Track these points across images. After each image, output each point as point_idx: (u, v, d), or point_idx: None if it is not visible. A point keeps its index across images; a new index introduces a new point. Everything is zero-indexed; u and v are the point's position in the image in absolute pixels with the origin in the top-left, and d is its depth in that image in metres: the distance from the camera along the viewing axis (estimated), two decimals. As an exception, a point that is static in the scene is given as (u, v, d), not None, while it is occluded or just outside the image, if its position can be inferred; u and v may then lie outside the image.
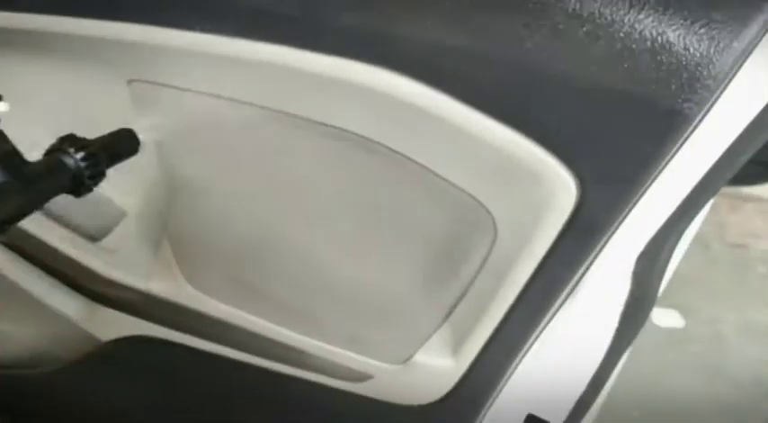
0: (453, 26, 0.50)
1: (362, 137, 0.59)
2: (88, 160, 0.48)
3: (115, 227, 0.86)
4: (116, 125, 0.81)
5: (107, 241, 0.85)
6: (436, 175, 0.59)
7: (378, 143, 0.59)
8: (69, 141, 0.48)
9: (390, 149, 0.59)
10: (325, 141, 0.61)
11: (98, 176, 0.49)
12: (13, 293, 1.03)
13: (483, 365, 0.70)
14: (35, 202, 0.45)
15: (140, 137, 0.67)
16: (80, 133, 0.86)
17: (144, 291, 0.81)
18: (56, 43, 0.71)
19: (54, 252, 0.84)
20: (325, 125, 0.60)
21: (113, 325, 0.90)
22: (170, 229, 0.79)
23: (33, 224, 0.83)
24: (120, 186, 0.89)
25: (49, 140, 0.87)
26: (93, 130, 0.86)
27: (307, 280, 0.73)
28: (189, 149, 0.72)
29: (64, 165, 0.47)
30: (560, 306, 0.66)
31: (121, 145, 0.54)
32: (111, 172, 0.88)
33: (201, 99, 0.65)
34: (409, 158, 0.59)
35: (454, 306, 0.69)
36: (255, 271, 0.75)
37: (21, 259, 0.96)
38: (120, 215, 0.88)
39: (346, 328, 0.75)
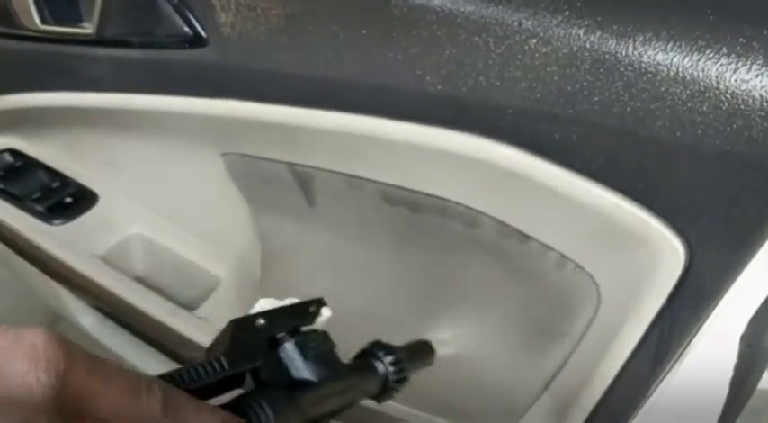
0: (557, 95, 0.50)
1: (465, 206, 0.59)
2: (395, 366, 0.50)
3: (209, 295, 0.88)
4: (209, 196, 0.84)
5: (202, 310, 0.87)
6: (539, 242, 0.59)
7: (479, 212, 0.59)
8: (378, 346, 0.51)
9: (491, 218, 0.59)
10: (422, 213, 0.62)
11: (403, 381, 0.51)
12: (107, 358, 1.06)
13: (590, 435, 0.68)
14: (348, 404, 0.46)
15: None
16: (175, 204, 0.90)
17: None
18: (152, 120, 0.75)
19: (148, 319, 0.86)
20: (426, 195, 0.60)
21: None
22: (265, 295, 0.80)
23: (129, 291, 0.86)
24: (214, 255, 0.91)
25: (146, 212, 0.91)
26: (187, 200, 0.89)
27: (405, 347, 0.73)
28: (281, 219, 0.74)
29: (375, 370, 0.49)
30: (667, 373, 0.64)
31: (423, 354, 0.57)
32: (203, 242, 0.91)
33: (293, 170, 0.67)
34: (511, 226, 0.59)
35: (556, 373, 0.67)
36: (353, 337, 0.75)
37: (114, 325, 0.99)
38: (214, 284, 0.90)
39: (444, 397, 0.74)
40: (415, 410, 0.77)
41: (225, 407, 0.36)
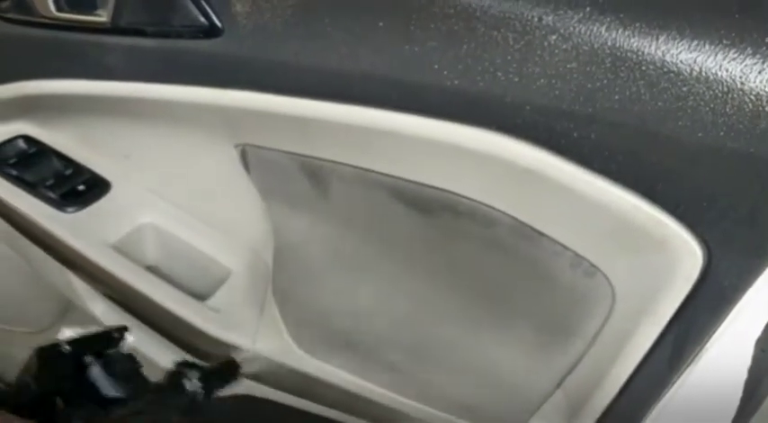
0: (577, 92, 0.49)
1: (480, 203, 0.59)
2: (202, 382, 0.57)
3: (220, 286, 0.88)
4: (222, 187, 0.84)
5: (213, 300, 0.87)
6: (554, 241, 0.58)
7: (494, 209, 0.58)
8: (186, 365, 0.57)
9: (506, 215, 0.58)
10: (436, 211, 0.61)
11: (209, 398, 0.59)
12: (117, 347, 1.06)
13: (601, 435, 0.68)
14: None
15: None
16: (188, 194, 0.89)
17: (250, 350, 0.82)
18: (166, 110, 0.74)
19: (160, 309, 0.86)
20: (440, 190, 0.60)
21: (217, 383, 0.91)
22: (276, 289, 0.80)
23: (140, 280, 0.85)
24: (226, 246, 0.91)
25: (158, 202, 0.91)
26: (200, 190, 0.89)
27: (417, 346, 0.72)
28: (294, 211, 0.73)
29: (183, 387, 0.55)
30: (682, 374, 0.63)
31: (228, 372, 0.65)
32: (216, 233, 0.91)
33: (307, 162, 0.67)
34: (526, 224, 0.58)
35: (569, 372, 0.66)
36: (363, 333, 0.75)
37: (126, 313, 0.99)
38: (226, 274, 0.90)
39: (456, 394, 0.74)
40: (428, 408, 0.77)
41: None
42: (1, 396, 0.38)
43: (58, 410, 0.42)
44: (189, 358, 0.55)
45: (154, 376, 0.99)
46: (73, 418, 0.41)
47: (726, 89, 0.45)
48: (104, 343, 0.51)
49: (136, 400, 0.48)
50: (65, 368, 0.45)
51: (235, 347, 0.82)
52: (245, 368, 0.85)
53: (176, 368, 0.52)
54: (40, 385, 0.41)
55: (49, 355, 0.45)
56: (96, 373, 0.46)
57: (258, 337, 0.82)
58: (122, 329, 0.51)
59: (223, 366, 0.55)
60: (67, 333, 0.47)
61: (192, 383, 0.53)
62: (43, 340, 1.19)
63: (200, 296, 0.87)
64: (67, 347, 0.47)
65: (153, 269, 0.91)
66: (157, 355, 0.95)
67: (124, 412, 0.46)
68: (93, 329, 0.49)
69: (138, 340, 1.02)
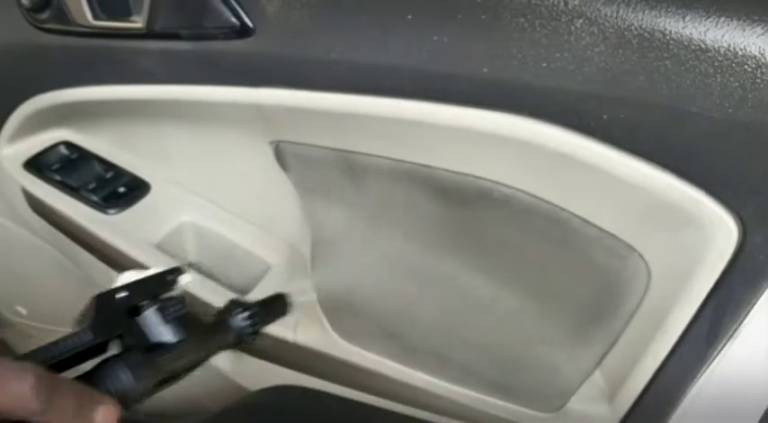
0: (605, 75, 0.50)
1: (515, 189, 0.60)
2: (248, 320, 0.58)
3: (260, 281, 0.90)
4: (259, 183, 0.86)
5: (253, 294, 0.89)
6: (587, 222, 0.59)
7: (529, 194, 0.59)
8: (235, 304, 0.59)
9: (541, 199, 0.59)
10: (472, 196, 0.62)
11: (256, 334, 0.60)
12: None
13: (640, 414, 0.68)
14: (204, 358, 0.53)
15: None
16: (225, 191, 0.92)
17: (291, 341, 0.84)
18: (202, 110, 0.76)
19: (203, 304, 0.88)
20: (474, 177, 0.61)
21: (260, 375, 0.93)
22: (315, 280, 0.82)
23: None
24: (264, 241, 0.93)
25: (197, 200, 0.93)
26: (237, 187, 0.91)
27: (455, 329, 0.73)
28: (330, 206, 0.75)
29: (229, 326, 0.57)
30: (720, 350, 0.63)
31: (277, 307, 0.66)
32: (253, 228, 0.93)
33: (341, 155, 0.68)
34: (560, 208, 0.59)
35: (606, 353, 0.67)
36: (402, 321, 0.77)
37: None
38: (265, 269, 0.92)
39: (495, 376, 0.74)
40: (465, 390, 0.78)
41: (87, 373, 0.42)
42: (55, 350, 0.40)
43: (108, 359, 0.44)
44: (238, 297, 0.59)
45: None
46: (122, 365, 0.43)
47: (755, 64, 0.46)
48: (159, 285, 0.51)
49: (182, 344, 0.49)
50: (119, 314, 0.46)
51: (276, 338, 0.84)
52: (288, 358, 0.87)
53: (224, 307, 0.57)
54: (96, 333, 0.43)
55: (105, 300, 0.46)
56: (149, 317, 0.48)
57: (299, 328, 0.84)
58: (177, 271, 0.53)
59: (272, 300, 0.62)
60: (125, 276, 0.49)
61: (238, 320, 0.56)
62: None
63: (241, 291, 0.89)
64: (123, 293, 0.47)
65: (194, 266, 0.94)
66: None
67: (170, 356, 0.48)
68: (151, 271, 0.51)
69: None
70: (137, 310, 0.48)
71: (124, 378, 0.43)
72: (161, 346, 0.48)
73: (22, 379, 0.33)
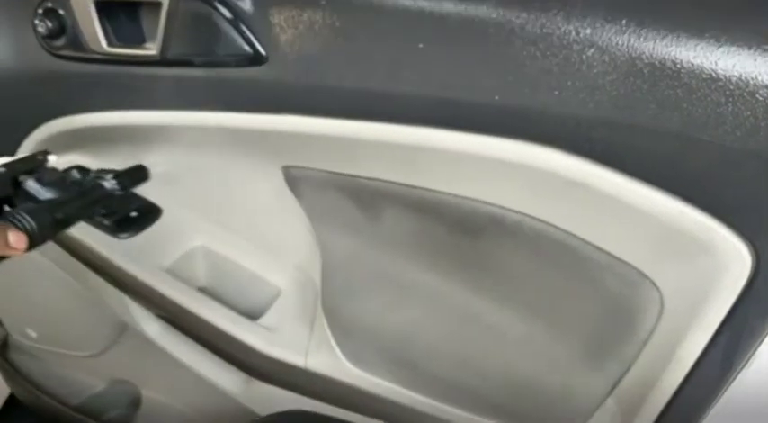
0: (617, 102, 0.50)
1: (527, 215, 0.60)
2: (116, 180, 0.70)
3: (271, 305, 0.90)
4: (269, 208, 0.86)
5: (265, 319, 0.89)
6: (599, 248, 0.59)
7: (541, 221, 0.59)
8: (102, 171, 0.70)
9: (553, 226, 0.59)
10: (483, 222, 0.62)
11: (125, 193, 0.72)
12: (171, 366, 1.09)
13: (654, 441, 0.67)
14: (89, 209, 0.66)
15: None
16: (236, 216, 0.92)
17: (302, 367, 0.84)
18: (214, 136, 0.77)
19: (213, 328, 0.88)
20: (485, 203, 0.61)
21: (270, 399, 0.93)
22: (325, 306, 0.82)
23: (193, 301, 0.88)
24: (275, 266, 0.93)
25: (208, 225, 0.93)
26: (248, 212, 0.91)
27: (465, 355, 0.73)
28: (340, 231, 0.75)
29: (102, 186, 0.68)
30: (735, 378, 0.63)
31: (138, 174, 0.77)
32: (264, 253, 0.93)
33: (352, 181, 0.68)
34: (572, 234, 0.59)
35: (619, 380, 0.67)
36: (413, 347, 0.76)
37: (180, 333, 1.02)
38: (276, 293, 0.92)
39: (506, 402, 0.74)
40: (476, 416, 0.77)
41: None
42: None
43: (6, 211, 0.56)
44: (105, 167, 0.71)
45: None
46: (21, 212, 0.55)
47: (767, 93, 0.46)
48: (32, 164, 0.64)
49: (68, 197, 0.62)
50: (3, 184, 0.60)
51: (287, 364, 0.84)
52: (298, 384, 0.87)
53: (95, 174, 0.68)
54: None
55: None
56: (31, 183, 0.60)
57: (310, 353, 0.84)
58: (45, 153, 0.67)
59: (133, 169, 0.73)
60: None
61: (110, 182, 0.68)
62: (97, 364, 1.23)
63: (252, 315, 0.89)
64: (2, 169, 0.60)
65: (205, 290, 0.94)
66: (221, 379, 0.97)
67: (59, 204, 0.61)
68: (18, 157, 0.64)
69: (192, 360, 1.04)
70: (17, 183, 0.61)
71: (25, 222, 0.55)
72: (51, 202, 0.60)
73: None
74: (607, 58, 0.50)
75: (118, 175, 0.68)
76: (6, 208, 0.59)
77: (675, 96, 0.48)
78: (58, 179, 0.64)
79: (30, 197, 0.61)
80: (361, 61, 0.59)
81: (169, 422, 1.19)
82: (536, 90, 0.52)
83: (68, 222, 0.61)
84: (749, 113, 0.46)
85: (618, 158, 0.53)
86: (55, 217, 0.59)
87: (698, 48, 0.47)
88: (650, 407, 0.65)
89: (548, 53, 0.51)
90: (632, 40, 0.49)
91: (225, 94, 0.69)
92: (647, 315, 0.61)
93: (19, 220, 0.55)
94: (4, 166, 0.61)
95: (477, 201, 0.62)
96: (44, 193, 0.61)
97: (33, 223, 0.56)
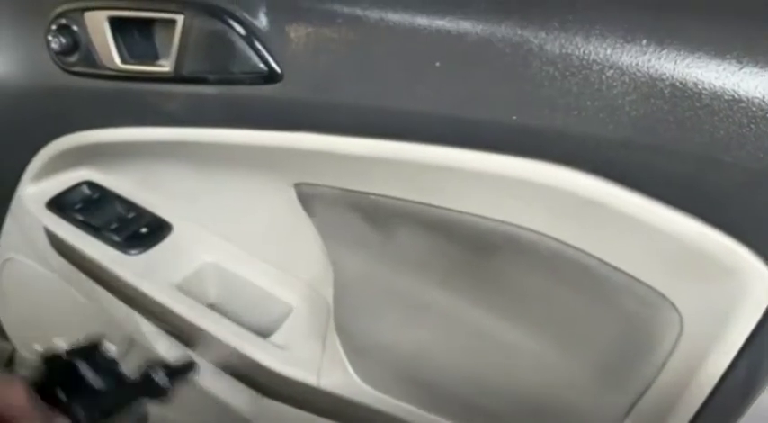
0: (636, 123, 0.50)
1: (544, 235, 0.59)
2: (169, 377, 0.68)
3: (282, 323, 0.90)
4: (281, 225, 0.86)
5: (276, 337, 0.88)
6: (617, 269, 0.58)
7: (558, 241, 0.59)
8: (156, 363, 0.69)
9: (570, 246, 0.59)
10: (498, 241, 0.62)
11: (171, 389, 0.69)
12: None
13: (673, 465, 0.66)
14: (129, 402, 0.66)
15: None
16: (248, 233, 0.91)
17: (314, 385, 0.83)
18: (226, 153, 0.76)
19: (224, 346, 0.87)
20: (501, 222, 0.60)
21: (281, 418, 0.92)
22: (337, 324, 0.81)
23: (203, 318, 0.87)
24: (286, 283, 0.93)
25: (219, 242, 0.93)
26: (260, 229, 0.91)
27: (480, 375, 0.72)
28: (352, 249, 0.74)
29: (153, 379, 0.67)
30: (755, 401, 0.62)
31: (187, 369, 0.75)
32: (275, 270, 0.93)
33: (366, 199, 0.68)
34: (590, 255, 0.58)
35: (637, 401, 0.66)
36: (426, 366, 0.75)
37: (190, 352, 1.01)
38: (287, 311, 0.91)
39: (524, 422, 0.73)
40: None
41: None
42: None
43: (61, 400, 0.59)
44: (156, 358, 0.69)
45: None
46: (73, 405, 0.59)
47: (789, 115, 0.45)
48: (91, 351, 0.65)
49: (116, 390, 0.64)
50: (63, 368, 0.62)
51: (299, 383, 0.83)
52: (311, 403, 0.86)
53: (145, 365, 0.68)
54: (44, 381, 0.60)
55: (52, 359, 0.63)
56: (85, 370, 0.62)
57: (322, 372, 0.83)
58: (102, 336, 0.68)
59: (183, 365, 0.72)
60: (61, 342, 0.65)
61: (160, 376, 0.67)
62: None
63: (263, 333, 0.88)
64: (65, 356, 0.63)
65: (215, 307, 0.93)
66: (232, 398, 0.96)
67: (108, 397, 0.63)
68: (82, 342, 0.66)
69: (209, 382, 1.04)
70: (76, 368, 0.63)
71: (77, 412, 0.59)
72: (101, 393, 0.63)
73: (18, 389, 0.54)
74: (627, 79, 0.49)
75: (169, 369, 0.69)
76: (60, 393, 0.61)
77: (696, 117, 0.48)
78: (112, 367, 0.65)
79: (81, 382, 0.63)
80: (376, 79, 0.59)
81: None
82: (555, 110, 0.52)
83: (113, 413, 0.64)
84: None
85: (637, 179, 0.52)
86: (102, 408, 0.62)
87: (720, 69, 0.47)
88: (669, 429, 0.64)
89: (567, 73, 0.51)
90: (652, 60, 0.49)
91: (239, 111, 0.69)
92: (666, 337, 0.60)
93: (74, 415, 0.59)
94: (68, 352, 0.64)
95: (493, 220, 0.61)
96: (96, 381, 0.63)
97: (85, 417, 0.59)
